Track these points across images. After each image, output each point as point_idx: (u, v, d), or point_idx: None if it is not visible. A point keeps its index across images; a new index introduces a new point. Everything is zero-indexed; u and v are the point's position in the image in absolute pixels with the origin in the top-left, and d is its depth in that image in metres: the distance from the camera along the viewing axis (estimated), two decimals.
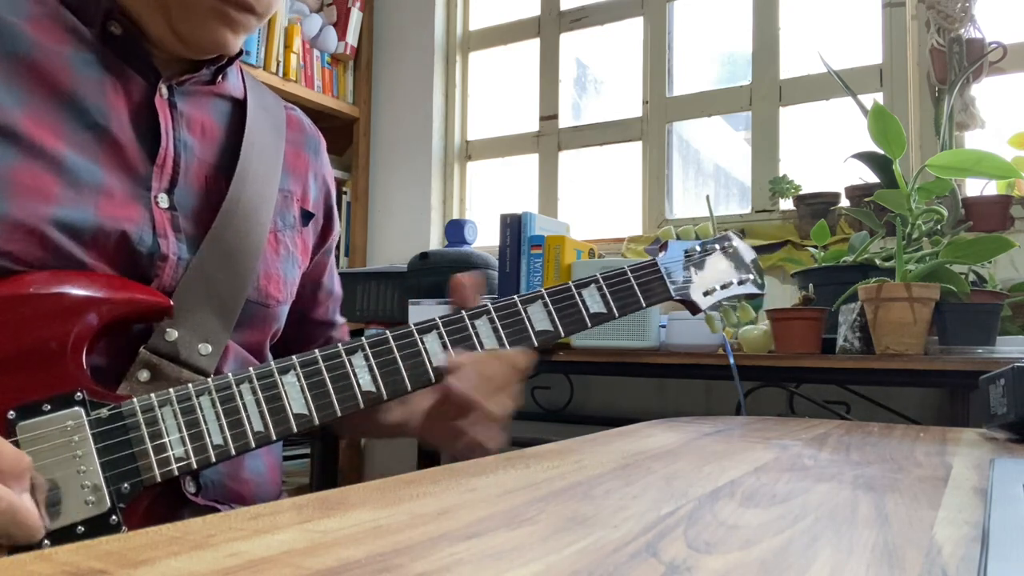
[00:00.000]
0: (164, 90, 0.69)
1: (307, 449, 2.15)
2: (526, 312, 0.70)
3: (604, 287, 0.72)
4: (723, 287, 0.79)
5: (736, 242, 0.83)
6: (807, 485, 0.46)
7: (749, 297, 0.82)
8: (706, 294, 0.77)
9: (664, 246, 0.79)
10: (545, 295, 0.71)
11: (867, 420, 0.96)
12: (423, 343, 0.66)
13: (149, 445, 0.57)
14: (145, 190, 0.65)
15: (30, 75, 0.62)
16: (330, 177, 0.88)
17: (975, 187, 1.76)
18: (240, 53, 0.76)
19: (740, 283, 0.80)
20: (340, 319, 0.92)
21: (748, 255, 0.83)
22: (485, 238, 2.26)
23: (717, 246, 0.81)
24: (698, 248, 0.79)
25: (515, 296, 0.70)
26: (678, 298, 0.76)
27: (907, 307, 1.27)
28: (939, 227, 1.43)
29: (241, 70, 0.81)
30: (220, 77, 0.75)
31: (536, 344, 0.69)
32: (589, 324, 0.71)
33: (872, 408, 1.70)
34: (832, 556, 0.31)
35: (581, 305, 0.71)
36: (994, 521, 0.34)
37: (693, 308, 0.77)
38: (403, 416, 0.77)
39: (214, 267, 0.67)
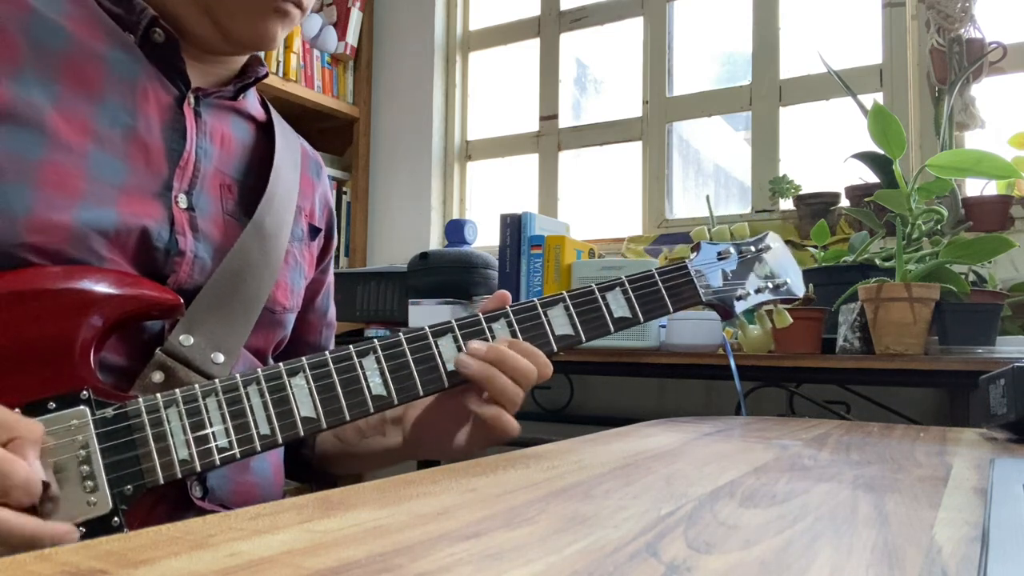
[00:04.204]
0: (192, 99, 0.71)
1: None
2: (546, 315, 0.67)
3: (630, 290, 0.70)
4: (758, 291, 0.76)
5: (774, 243, 0.79)
6: (807, 485, 0.46)
7: (785, 301, 0.79)
8: (739, 298, 0.74)
9: (697, 247, 0.76)
10: (567, 298, 0.68)
11: (867, 420, 0.96)
12: (437, 346, 0.64)
13: (153, 447, 0.57)
14: (166, 190, 0.67)
15: (65, 70, 0.63)
16: (330, 195, 0.90)
17: (975, 187, 1.76)
18: (265, 75, 0.79)
19: (776, 287, 0.77)
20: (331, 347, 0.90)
21: (787, 257, 0.79)
22: (485, 238, 2.26)
23: (753, 247, 0.78)
24: (732, 250, 0.76)
25: (535, 299, 0.68)
26: (708, 302, 0.73)
27: (907, 307, 1.27)
28: (939, 227, 1.43)
29: (263, 98, 0.84)
30: (241, 96, 0.78)
31: (556, 349, 0.67)
32: (612, 329, 0.69)
33: (872, 408, 1.70)
34: (832, 556, 0.31)
35: (605, 309, 0.69)
36: (994, 521, 0.34)
37: (725, 313, 0.74)
38: (399, 435, 0.75)
39: (235, 280, 0.68)
